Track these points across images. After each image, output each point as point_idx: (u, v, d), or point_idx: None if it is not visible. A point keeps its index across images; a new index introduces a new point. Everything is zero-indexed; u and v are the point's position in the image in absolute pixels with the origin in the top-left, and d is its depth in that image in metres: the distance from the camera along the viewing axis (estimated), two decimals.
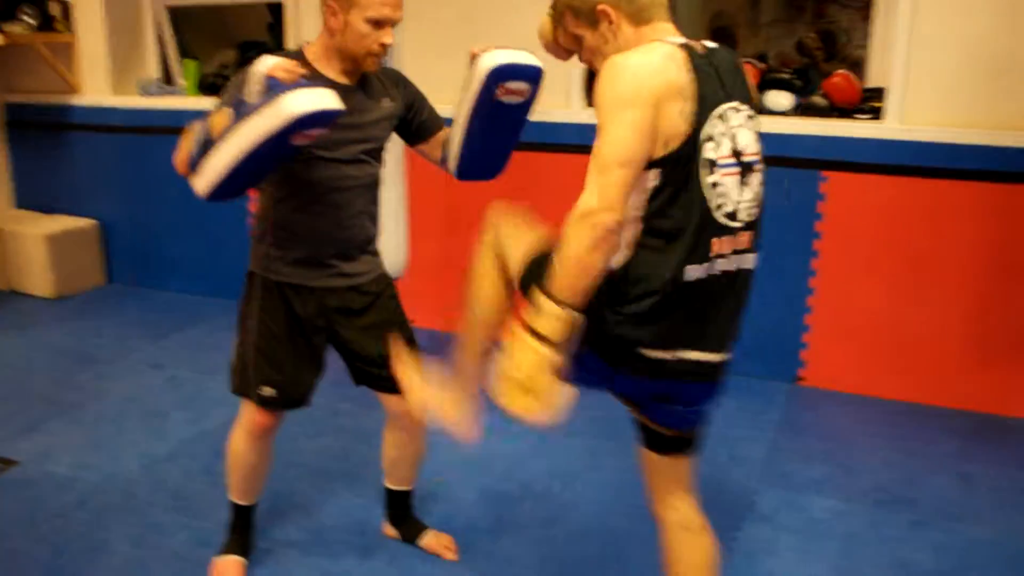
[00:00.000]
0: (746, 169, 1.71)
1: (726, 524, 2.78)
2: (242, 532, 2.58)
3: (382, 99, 2.29)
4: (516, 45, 3.90)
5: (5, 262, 5.03)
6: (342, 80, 2.19)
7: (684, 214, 1.63)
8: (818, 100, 3.63)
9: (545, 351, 1.60)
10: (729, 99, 1.68)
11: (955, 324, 3.55)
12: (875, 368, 3.68)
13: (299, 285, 2.28)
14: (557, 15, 1.82)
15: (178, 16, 5.11)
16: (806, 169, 3.61)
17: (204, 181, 1.96)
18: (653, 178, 1.62)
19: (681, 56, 1.62)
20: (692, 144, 1.60)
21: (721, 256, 1.69)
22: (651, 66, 1.60)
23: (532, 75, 2.27)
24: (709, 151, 1.62)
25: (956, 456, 3.24)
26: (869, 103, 3.59)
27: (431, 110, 2.44)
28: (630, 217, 1.64)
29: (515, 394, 1.64)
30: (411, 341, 2.42)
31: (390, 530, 2.74)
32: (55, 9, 4.85)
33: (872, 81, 3.75)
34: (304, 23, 4.42)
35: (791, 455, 3.24)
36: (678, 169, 1.61)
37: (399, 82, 2.38)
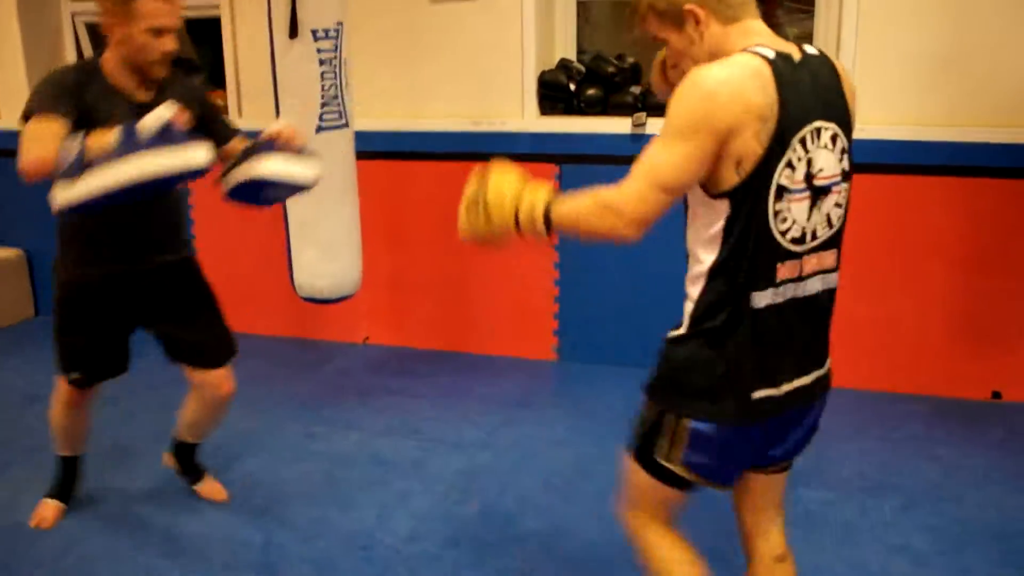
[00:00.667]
0: (819, 193, 1.60)
1: (722, 524, 2.84)
2: (65, 480, 2.92)
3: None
4: (460, 54, 3.90)
5: None
6: (140, 95, 2.35)
7: (748, 242, 1.57)
8: None
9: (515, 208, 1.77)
10: (816, 118, 1.56)
11: (914, 313, 3.70)
12: (852, 361, 3.79)
13: (102, 282, 2.52)
14: (640, 18, 1.70)
15: (97, 33, 4.89)
16: None
17: (71, 195, 2.02)
18: (724, 209, 1.57)
19: (768, 73, 1.51)
20: (767, 169, 1.52)
21: (791, 281, 1.63)
22: (731, 86, 1.49)
23: (296, 190, 2.53)
24: (784, 178, 1.54)
25: (925, 440, 3.38)
26: None
27: (223, 123, 2.62)
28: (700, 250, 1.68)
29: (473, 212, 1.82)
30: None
31: (170, 460, 3.04)
32: None
33: None
34: (241, 34, 4.31)
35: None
36: (749, 196, 1.53)
37: (194, 97, 2.49)
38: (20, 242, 4.88)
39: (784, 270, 1.61)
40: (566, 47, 4.09)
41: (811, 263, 1.64)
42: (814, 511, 2.91)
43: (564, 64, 3.96)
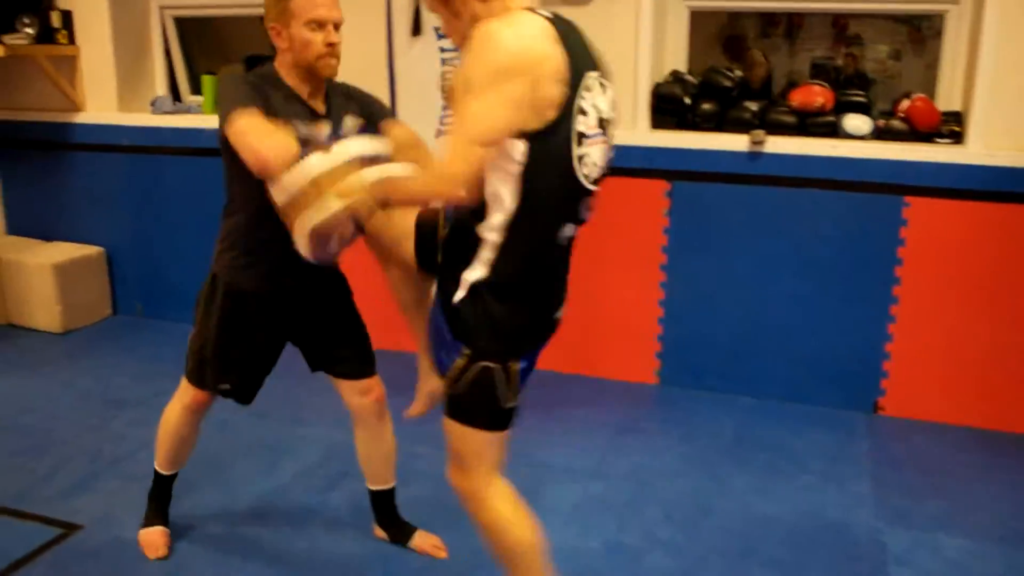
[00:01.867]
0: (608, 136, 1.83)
1: (867, 569, 2.69)
2: (161, 501, 2.79)
3: (344, 117, 2.37)
4: None
5: (4, 294, 4.63)
6: (312, 102, 2.31)
7: (555, 183, 1.74)
8: (896, 124, 3.56)
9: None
10: (589, 68, 1.75)
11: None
12: (958, 396, 3.62)
13: (258, 293, 2.43)
14: None
15: (183, 28, 4.79)
16: (888, 195, 3.53)
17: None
18: (523, 149, 1.68)
19: (551, 28, 1.68)
20: (565, 117, 1.68)
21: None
22: (525, 38, 1.64)
23: None
24: (580, 124, 1.71)
25: None
26: (947, 127, 3.53)
27: (381, 105, 2.55)
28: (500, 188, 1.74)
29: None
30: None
31: (379, 532, 2.84)
32: (56, 19, 4.48)
33: (941, 104, 3.70)
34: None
35: (898, 490, 3.15)
36: (549, 141, 1.68)
37: (349, 94, 2.45)
38: (100, 239, 4.77)
39: (583, 209, 1.83)
40: (677, 59, 3.94)
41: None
42: (955, 560, 2.75)
43: (678, 76, 3.80)
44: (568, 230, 1.86)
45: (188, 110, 4.55)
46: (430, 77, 3.28)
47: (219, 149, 2.26)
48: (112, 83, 4.58)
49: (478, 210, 1.79)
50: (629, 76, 3.76)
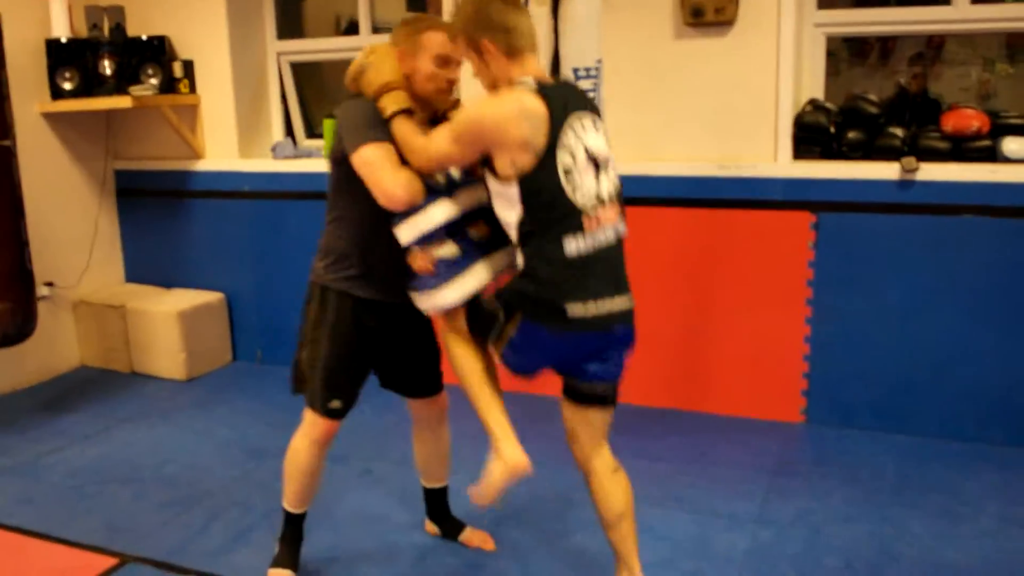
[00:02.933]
0: (600, 166, 2.23)
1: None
2: (293, 543, 2.81)
3: None
4: (706, 92, 3.59)
5: (129, 342, 4.65)
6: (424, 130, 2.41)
7: (547, 206, 2.16)
8: None
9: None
10: (576, 109, 2.22)
11: None
12: None
13: (373, 301, 2.50)
14: (453, 39, 2.33)
15: (298, 74, 4.81)
16: None
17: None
18: (515, 186, 2.16)
19: (536, 101, 2.15)
20: (548, 158, 2.14)
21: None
22: (513, 112, 2.14)
23: None
24: (565, 160, 2.15)
25: None
26: None
27: None
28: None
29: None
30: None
31: (431, 527, 3.04)
32: (178, 69, 4.52)
33: None
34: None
35: None
36: (536, 177, 2.14)
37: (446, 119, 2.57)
38: (220, 286, 4.79)
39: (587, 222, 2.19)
40: (814, 87, 3.83)
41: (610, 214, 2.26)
42: None
43: (819, 105, 3.69)
44: (577, 242, 2.18)
45: (308, 155, 4.55)
46: None
47: (331, 163, 2.45)
48: (232, 130, 4.61)
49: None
50: (769, 106, 3.67)
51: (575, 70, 3.11)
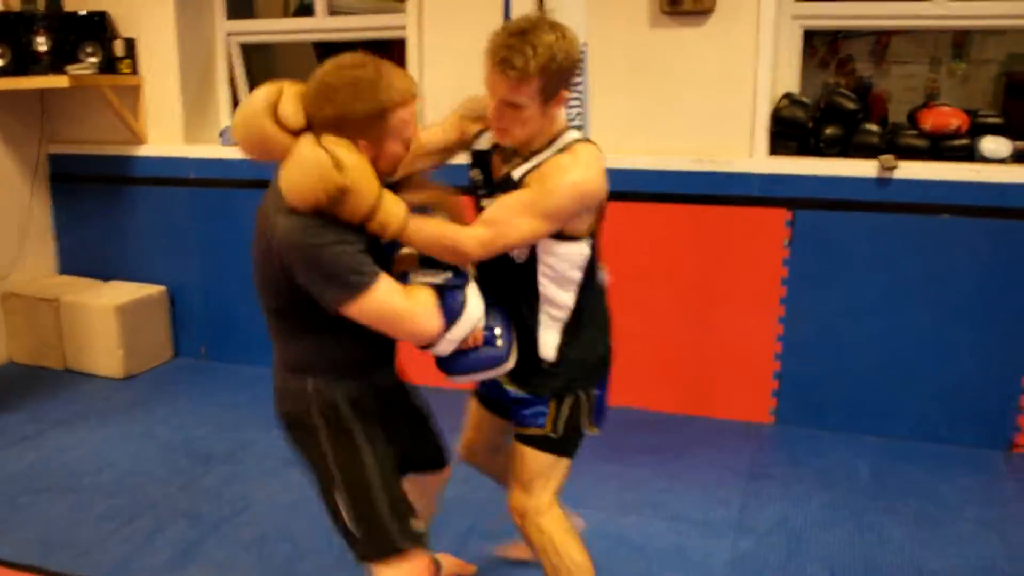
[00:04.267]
0: None
1: None
2: None
3: None
4: (682, 85, 3.52)
5: (62, 338, 4.36)
6: None
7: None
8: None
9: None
10: None
11: None
12: None
13: (375, 387, 2.04)
14: (520, 77, 1.82)
15: (248, 55, 4.56)
16: None
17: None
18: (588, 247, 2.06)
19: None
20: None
21: None
22: (601, 173, 2.01)
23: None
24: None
25: None
26: None
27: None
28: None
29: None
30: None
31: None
32: (120, 48, 4.24)
33: None
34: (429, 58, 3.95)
35: None
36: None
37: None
38: (162, 277, 4.52)
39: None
40: (789, 81, 3.74)
41: None
42: None
43: (795, 99, 3.59)
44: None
45: None
46: None
47: (273, 278, 1.85)
48: (177, 113, 4.34)
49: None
50: (747, 100, 3.56)
51: None
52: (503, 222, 1.89)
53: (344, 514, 1.96)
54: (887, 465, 3.42)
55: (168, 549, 2.87)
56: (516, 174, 1.97)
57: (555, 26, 1.85)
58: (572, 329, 2.10)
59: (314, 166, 1.70)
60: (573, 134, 2.03)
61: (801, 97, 3.64)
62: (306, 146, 1.73)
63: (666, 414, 3.86)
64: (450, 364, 1.98)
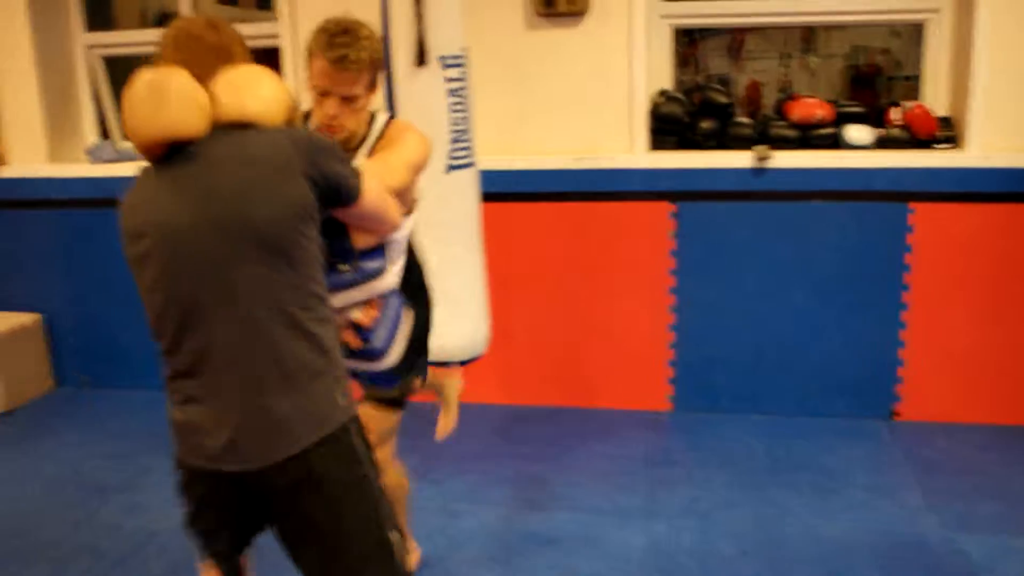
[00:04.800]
0: None
1: None
2: None
3: None
4: (561, 84, 4.04)
5: None
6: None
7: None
8: (896, 132, 3.59)
9: None
10: None
11: None
12: (974, 395, 3.67)
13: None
14: (357, 70, 1.98)
15: (112, 69, 4.37)
16: (893, 202, 3.56)
17: None
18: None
19: None
20: None
21: None
22: None
23: None
24: None
25: None
26: (944, 132, 3.59)
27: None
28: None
29: None
30: None
31: None
32: None
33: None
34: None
35: (949, 496, 3.14)
36: None
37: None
38: (35, 305, 4.29)
39: None
40: (662, 77, 3.86)
41: None
42: None
43: (671, 96, 3.72)
44: None
45: (131, 158, 4.14)
46: (436, 109, 3.06)
47: (295, 221, 1.62)
48: (39, 131, 4.13)
49: None
50: (623, 97, 3.66)
51: (442, 58, 2.95)
52: (384, 173, 1.92)
53: (395, 550, 1.74)
54: (780, 442, 3.59)
55: None
56: (359, 162, 2.03)
57: (364, 24, 2.03)
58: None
59: (275, 90, 1.69)
60: (381, 114, 2.22)
61: (676, 93, 3.77)
62: (262, 73, 1.70)
63: (564, 408, 3.94)
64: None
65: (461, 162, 3.01)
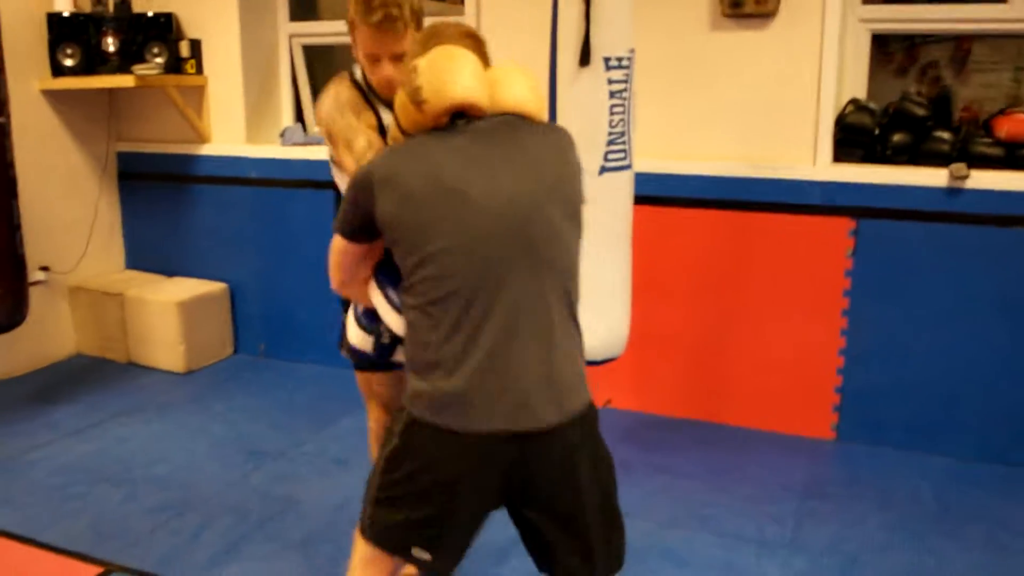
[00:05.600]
0: None
1: None
2: None
3: None
4: (741, 89, 3.35)
5: (126, 332, 4.45)
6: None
7: None
8: None
9: None
10: None
11: None
12: None
13: None
14: (404, 28, 2.07)
15: (310, 57, 4.60)
16: None
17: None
18: None
19: None
20: None
21: None
22: None
23: None
24: None
25: None
26: None
27: None
28: None
29: None
30: None
31: None
32: (185, 49, 4.32)
33: None
34: None
35: None
36: None
37: None
38: (223, 274, 4.58)
39: None
40: (856, 86, 3.61)
41: None
42: None
43: (862, 105, 3.47)
44: None
45: (319, 142, 4.34)
46: (594, 110, 3.00)
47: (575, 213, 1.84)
48: (240, 114, 4.40)
49: None
50: (810, 105, 3.45)
51: (606, 59, 2.90)
52: None
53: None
54: (952, 487, 3.27)
55: (213, 545, 2.88)
56: None
57: None
58: None
59: (539, 88, 1.85)
60: None
61: (868, 103, 3.52)
62: (525, 73, 1.84)
63: (720, 426, 3.77)
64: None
65: (616, 164, 2.95)
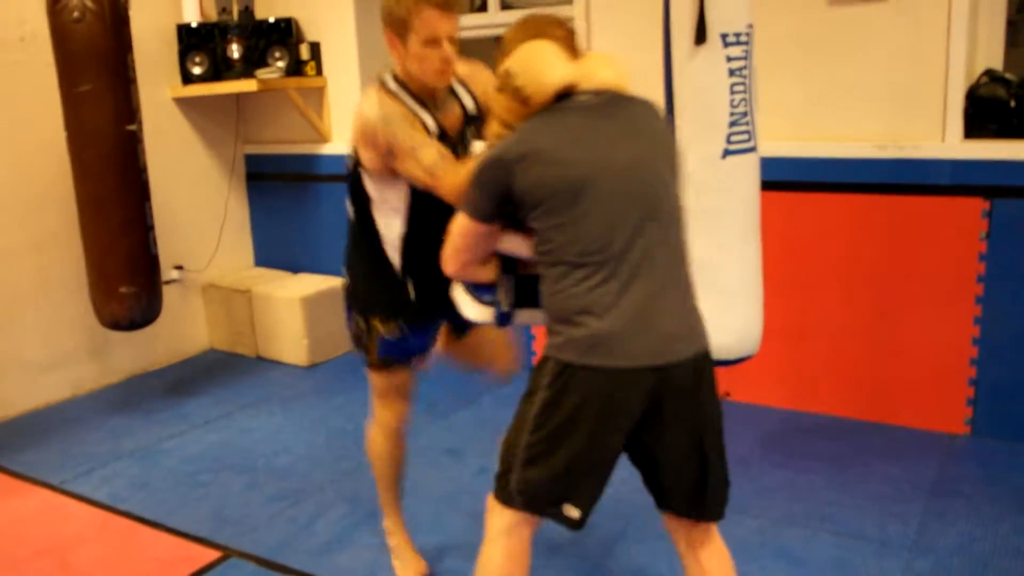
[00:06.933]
0: None
1: None
2: None
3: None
4: (864, 65, 3.17)
5: (254, 327, 4.64)
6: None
7: None
8: None
9: None
10: None
11: None
12: None
13: None
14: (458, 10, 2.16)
15: None
16: None
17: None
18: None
19: None
20: None
21: None
22: None
23: None
24: None
25: None
26: None
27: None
28: None
29: None
30: None
31: None
32: (305, 52, 4.45)
33: None
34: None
35: None
36: None
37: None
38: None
39: None
40: (990, 56, 3.38)
41: None
42: None
43: (996, 76, 3.24)
44: None
45: None
46: (714, 90, 2.90)
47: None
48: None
49: None
50: (938, 78, 3.25)
51: (723, 36, 2.78)
52: None
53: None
54: None
55: (326, 533, 2.97)
56: (468, 104, 2.33)
57: None
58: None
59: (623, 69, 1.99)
60: None
61: (1004, 74, 3.28)
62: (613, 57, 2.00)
63: (845, 419, 3.60)
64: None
65: (740, 147, 2.82)
